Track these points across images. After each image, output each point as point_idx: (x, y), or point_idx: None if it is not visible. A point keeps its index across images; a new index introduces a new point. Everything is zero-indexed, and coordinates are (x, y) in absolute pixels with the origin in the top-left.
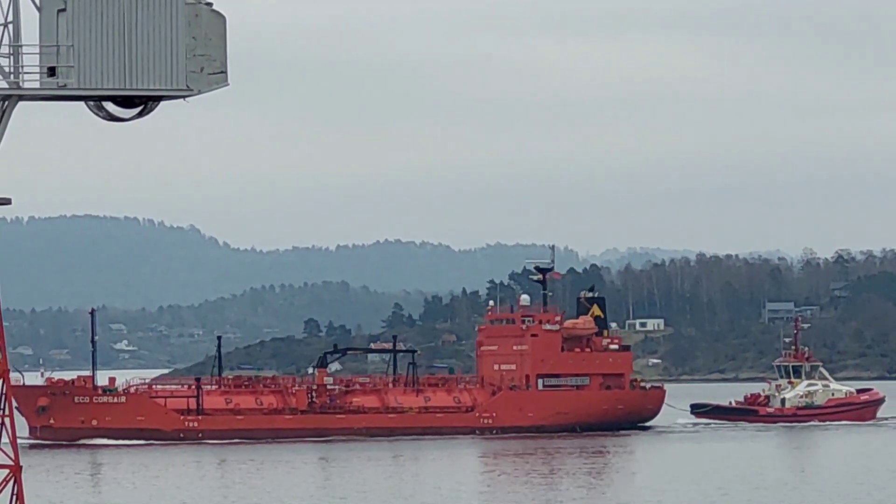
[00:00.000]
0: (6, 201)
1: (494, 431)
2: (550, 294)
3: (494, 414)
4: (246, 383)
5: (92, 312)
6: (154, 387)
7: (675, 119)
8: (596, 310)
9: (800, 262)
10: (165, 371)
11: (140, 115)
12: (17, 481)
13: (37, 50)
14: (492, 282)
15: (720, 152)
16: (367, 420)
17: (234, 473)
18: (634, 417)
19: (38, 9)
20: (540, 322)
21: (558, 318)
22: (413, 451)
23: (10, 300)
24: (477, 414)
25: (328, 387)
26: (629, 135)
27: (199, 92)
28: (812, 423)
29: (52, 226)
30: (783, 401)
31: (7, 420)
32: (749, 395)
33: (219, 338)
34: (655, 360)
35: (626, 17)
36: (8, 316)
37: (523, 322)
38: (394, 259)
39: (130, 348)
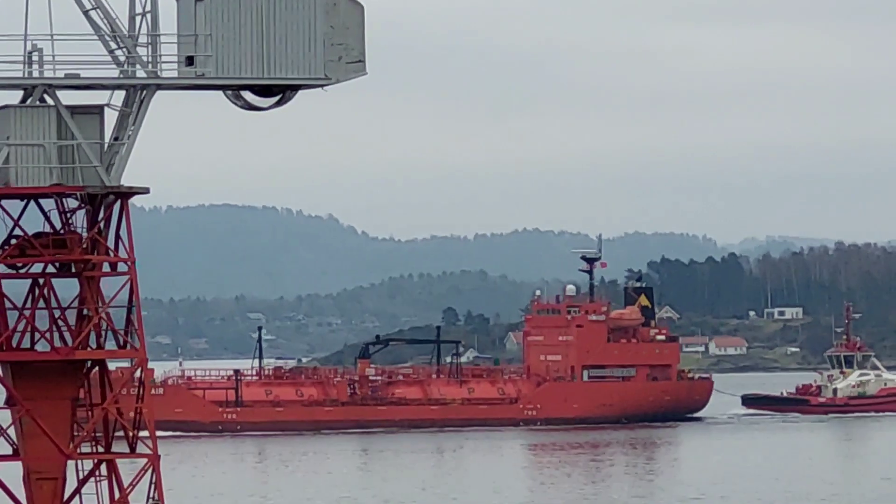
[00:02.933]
0: (145, 190)
1: (539, 423)
2: (597, 284)
3: (539, 405)
4: (287, 374)
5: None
6: (192, 378)
7: (813, 106)
8: (643, 300)
9: None
10: (305, 360)
11: (278, 104)
12: (156, 470)
13: (175, 39)
14: (630, 270)
15: (860, 140)
16: (408, 412)
17: (273, 465)
18: (682, 409)
19: None
20: (586, 312)
21: (604, 309)
22: (456, 442)
23: (149, 289)
24: (521, 405)
25: (370, 378)
26: (766, 123)
27: (337, 81)
28: (864, 413)
29: (191, 215)
30: (835, 391)
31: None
32: (801, 386)
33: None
34: (794, 349)
35: (761, 5)
36: (146, 305)
37: (569, 312)
38: (532, 248)
39: (269, 337)
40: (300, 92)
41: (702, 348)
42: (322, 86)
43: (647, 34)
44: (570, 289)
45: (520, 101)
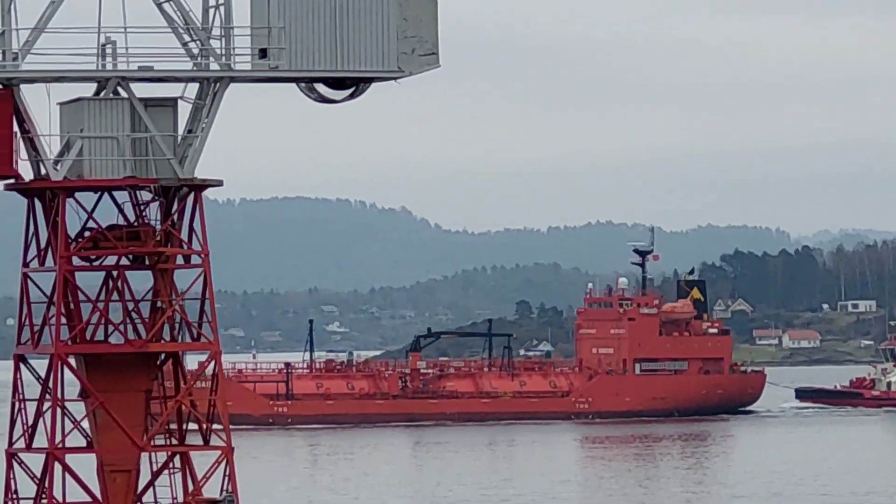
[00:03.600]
0: (218, 183)
1: (590, 417)
2: (650, 277)
3: (590, 399)
4: (338, 367)
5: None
6: (243, 371)
7: (886, 99)
8: (696, 293)
9: None
10: (377, 353)
11: (351, 96)
12: (230, 462)
13: (248, 32)
14: (703, 263)
15: None
16: (460, 405)
17: (325, 458)
18: (734, 402)
19: None
20: (638, 305)
21: (656, 302)
22: (507, 436)
23: (223, 282)
24: (573, 399)
25: (421, 371)
26: (838, 115)
27: (411, 74)
28: None
29: (264, 208)
30: (889, 384)
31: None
32: (855, 379)
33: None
34: (867, 342)
35: None
36: (220, 298)
37: (621, 306)
38: (605, 240)
39: (342, 330)
40: (373, 84)
41: (775, 341)
42: (395, 78)
43: (717, 26)
44: (623, 282)
45: (593, 93)
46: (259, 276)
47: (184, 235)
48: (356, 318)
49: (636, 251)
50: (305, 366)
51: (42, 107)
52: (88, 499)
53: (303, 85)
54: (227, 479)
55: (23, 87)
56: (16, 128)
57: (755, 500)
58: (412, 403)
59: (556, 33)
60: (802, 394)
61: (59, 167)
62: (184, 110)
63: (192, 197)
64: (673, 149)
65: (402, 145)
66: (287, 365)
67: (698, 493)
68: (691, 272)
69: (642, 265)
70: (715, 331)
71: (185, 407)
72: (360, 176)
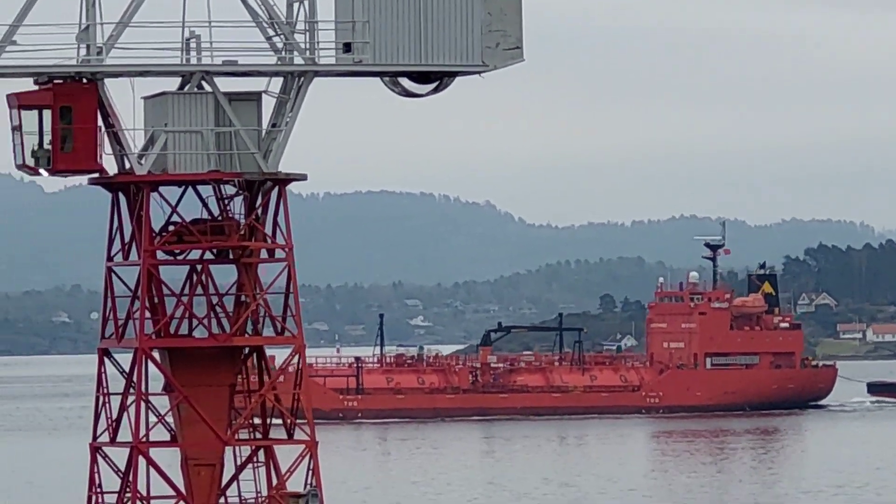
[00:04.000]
0: (302, 177)
1: (661, 411)
2: (721, 271)
3: (661, 393)
4: (408, 362)
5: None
6: (313, 366)
7: None
8: (767, 287)
9: None
10: (461, 346)
11: (435, 90)
12: (314, 456)
13: (332, 26)
14: (787, 257)
15: None
16: (530, 399)
17: (399, 452)
18: (805, 396)
19: None
20: (709, 300)
21: (727, 296)
22: (577, 430)
23: (307, 276)
24: (643, 393)
25: (492, 365)
26: None
27: (495, 67)
28: None
29: (348, 202)
30: None
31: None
32: None
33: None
34: None
35: None
36: (304, 292)
37: (692, 300)
38: (689, 234)
39: (426, 324)
40: (457, 78)
41: (859, 335)
42: (479, 72)
43: (804, 21)
44: (693, 276)
45: (677, 86)
46: (343, 270)
47: (268, 229)
48: (440, 311)
49: (707, 245)
50: (375, 360)
51: (126, 101)
52: (172, 493)
53: (387, 79)
54: (310, 472)
55: (107, 81)
56: (100, 122)
57: (823, 496)
58: (482, 398)
59: (642, 25)
60: (874, 388)
61: (143, 161)
62: (268, 104)
63: (276, 191)
64: (758, 143)
65: (486, 139)
66: (357, 359)
67: (767, 487)
68: (762, 266)
69: (713, 259)
70: (786, 325)
71: (269, 401)
72: (444, 170)
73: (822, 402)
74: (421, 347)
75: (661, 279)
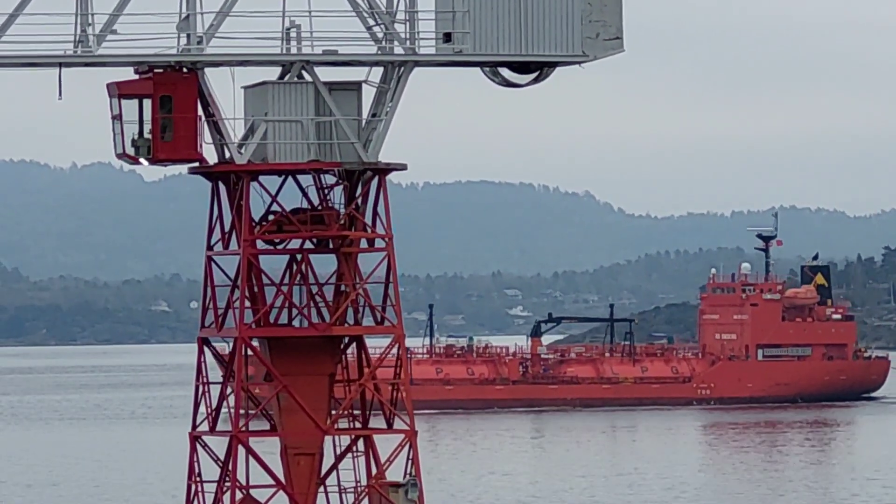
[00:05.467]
0: (402, 167)
1: (712, 402)
2: (773, 262)
3: (712, 385)
4: (458, 353)
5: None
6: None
7: None
8: (819, 279)
9: None
10: (560, 337)
11: (535, 80)
12: (413, 446)
13: (433, 16)
14: (887, 248)
15: None
16: (580, 391)
17: (445, 444)
18: (858, 388)
19: None
20: (761, 291)
21: (780, 287)
22: (628, 422)
23: (406, 266)
24: (694, 385)
25: (542, 356)
26: None
27: (595, 58)
28: None
29: (448, 192)
30: None
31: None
32: None
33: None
34: None
35: None
36: (404, 281)
37: (744, 291)
38: (788, 225)
39: (525, 314)
40: (557, 68)
41: None
42: (580, 63)
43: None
44: (746, 267)
45: (776, 76)
46: (442, 259)
47: (367, 219)
48: (539, 301)
49: (759, 236)
50: (425, 350)
51: (226, 90)
52: (271, 482)
53: (487, 69)
54: (410, 462)
55: (207, 70)
56: (200, 111)
57: (876, 487)
58: (532, 389)
59: (743, 13)
60: None
61: (243, 151)
62: (368, 94)
63: (375, 181)
64: (858, 133)
65: (585, 129)
66: (406, 350)
67: (820, 480)
68: (815, 257)
69: (766, 250)
70: (839, 316)
71: (369, 391)
72: (544, 160)
73: (875, 395)
74: (470, 338)
75: (713, 270)
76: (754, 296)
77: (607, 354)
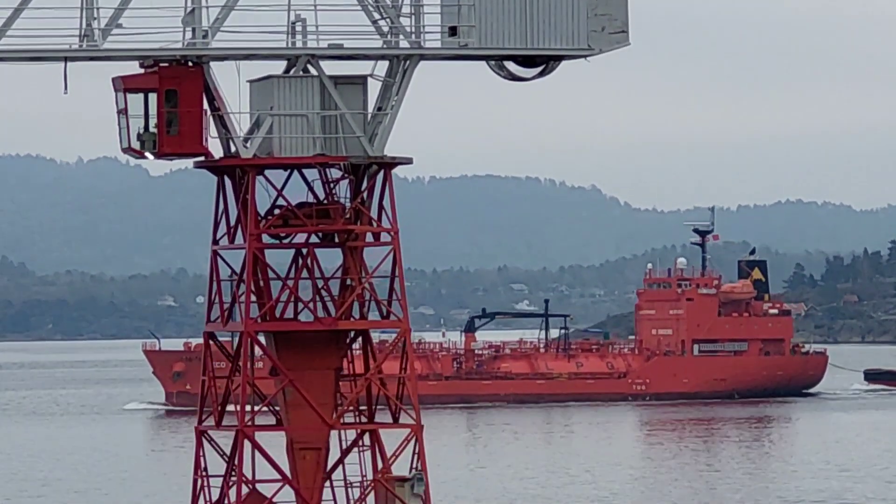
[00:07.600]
0: (408, 161)
1: (647, 398)
2: (709, 257)
3: (648, 380)
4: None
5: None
6: None
7: None
8: (756, 273)
9: None
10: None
11: (541, 74)
12: (419, 440)
13: (438, 9)
14: (893, 242)
15: None
16: (514, 386)
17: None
18: (795, 384)
19: None
20: (696, 286)
21: (716, 282)
22: (563, 417)
23: (412, 260)
24: (630, 380)
25: (476, 352)
26: None
27: (601, 51)
28: None
29: (454, 186)
30: None
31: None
32: None
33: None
34: None
35: None
36: (410, 276)
37: (679, 286)
38: (795, 219)
39: (531, 308)
40: (563, 62)
41: None
42: (585, 56)
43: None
44: (682, 262)
45: (781, 71)
46: (449, 254)
47: (373, 213)
48: (545, 296)
49: (696, 231)
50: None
51: (232, 84)
52: (277, 476)
53: (492, 63)
54: (416, 456)
55: (212, 64)
56: (206, 105)
57: (815, 482)
58: (465, 384)
59: (748, 8)
60: (871, 376)
61: (248, 145)
62: (373, 88)
63: (381, 175)
64: (864, 127)
65: (591, 123)
66: None
67: (757, 475)
68: (752, 252)
69: (702, 245)
70: (776, 311)
71: (375, 385)
72: (550, 154)
73: (813, 390)
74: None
75: (649, 265)
76: (690, 290)
77: (542, 350)
